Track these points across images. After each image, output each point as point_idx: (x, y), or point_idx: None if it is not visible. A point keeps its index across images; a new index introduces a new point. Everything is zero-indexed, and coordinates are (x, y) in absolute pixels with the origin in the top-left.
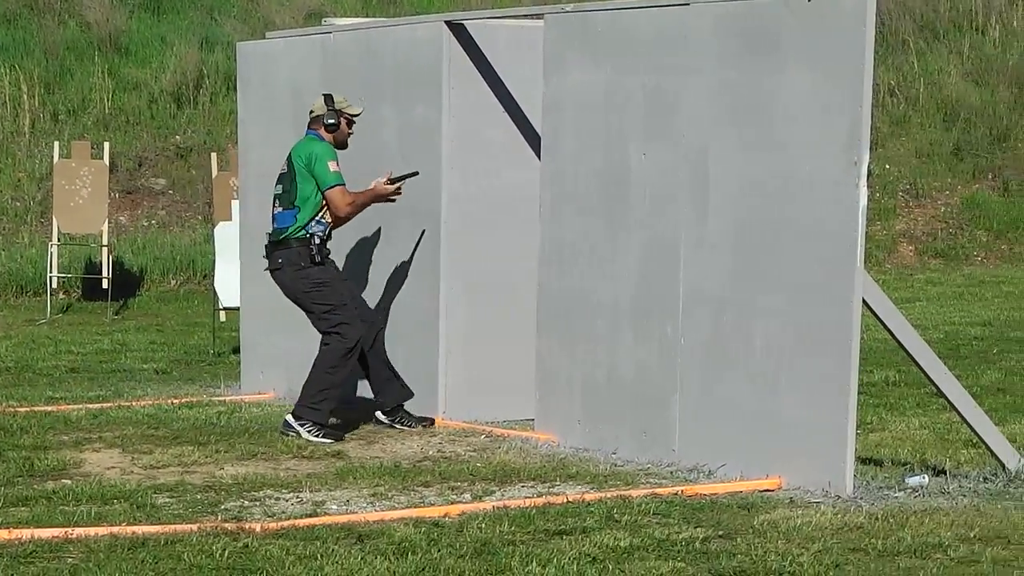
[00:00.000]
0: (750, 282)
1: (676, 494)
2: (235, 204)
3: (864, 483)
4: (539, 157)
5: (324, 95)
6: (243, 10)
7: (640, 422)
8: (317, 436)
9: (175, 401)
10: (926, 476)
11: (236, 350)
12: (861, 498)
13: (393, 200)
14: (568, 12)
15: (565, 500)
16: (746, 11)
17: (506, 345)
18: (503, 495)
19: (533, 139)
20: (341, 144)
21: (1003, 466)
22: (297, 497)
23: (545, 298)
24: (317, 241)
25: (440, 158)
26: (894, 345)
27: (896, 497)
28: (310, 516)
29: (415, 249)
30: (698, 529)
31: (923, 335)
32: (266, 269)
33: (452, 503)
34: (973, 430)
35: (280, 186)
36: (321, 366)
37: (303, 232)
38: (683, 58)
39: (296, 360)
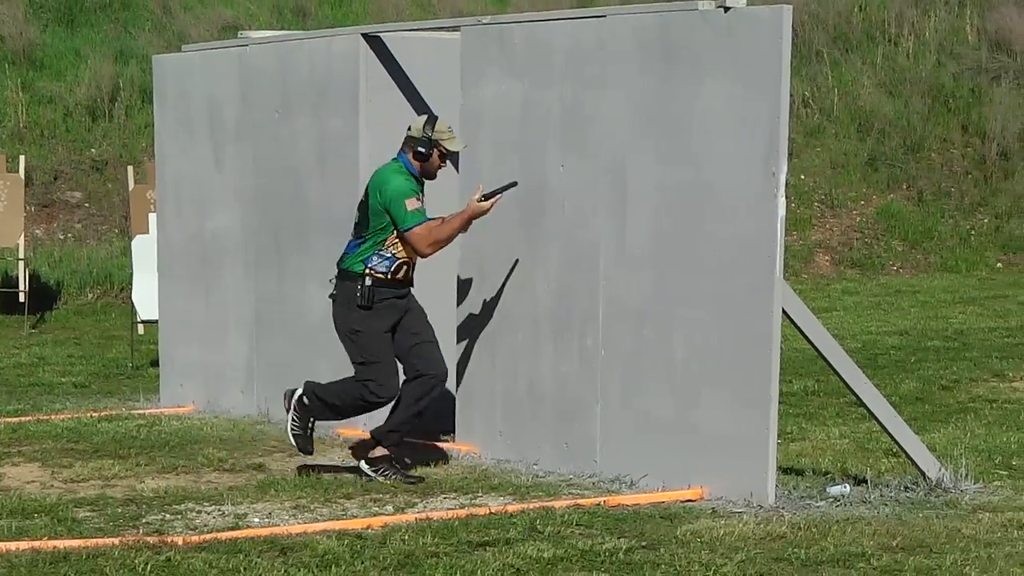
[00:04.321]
0: (670, 293)
1: (599, 505)
2: (152, 217)
3: (786, 493)
4: (457, 169)
5: (428, 116)
6: (158, 23)
7: (562, 433)
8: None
9: (94, 415)
10: (847, 485)
11: (155, 363)
12: (783, 508)
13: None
14: (485, 24)
15: (488, 512)
16: (663, 23)
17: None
18: (426, 507)
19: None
20: (429, 175)
21: (923, 475)
22: (219, 510)
23: (465, 310)
24: (369, 282)
25: (358, 171)
26: (813, 355)
27: (818, 507)
28: (232, 529)
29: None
30: (621, 540)
31: (841, 345)
32: (330, 296)
33: (375, 515)
34: (893, 439)
35: (358, 214)
36: (333, 402)
37: (361, 265)
38: (600, 70)
39: (215, 372)
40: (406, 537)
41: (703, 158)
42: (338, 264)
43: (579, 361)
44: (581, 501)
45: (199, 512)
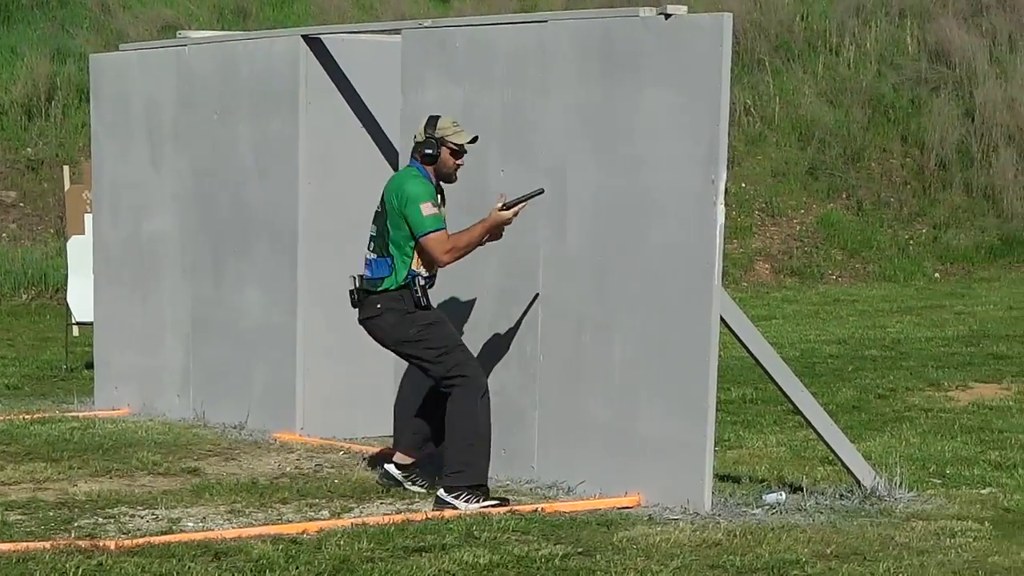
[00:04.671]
0: (609, 300)
1: (536, 511)
2: (88, 218)
3: (722, 500)
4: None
5: (429, 117)
6: (96, 22)
7: (500, 439)
8: (479, 502)
9: (27, 417)
10: (783, 493)
11: (89, 365)
12: (719, 515)
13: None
14: (426, 28)
15: (424, 517)
16: (604, 29)
17: (365, 361)
18: (362, 512)
19: (392, 154)
20: (445, 177)
21: (859, 483)
22: (152, 514)
23: None
24: (421, 282)
25: (297, 173)
26: (751, 363)
27: (754, 514)
28: (166, 533)
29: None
30: (558, 546)
31: (779, 353)
32: (361, 320)
33: (310, 520)
34: (829, 447)
35: (375, 227)
36: (456, 421)
37: (397, 281)
38: (541, 76)
39: (151, 375)
40: (341, 542)
41: (643, 165)
42: (367, 286)
43: (518, 367)
44: (518, 507)
45: (132, 516)
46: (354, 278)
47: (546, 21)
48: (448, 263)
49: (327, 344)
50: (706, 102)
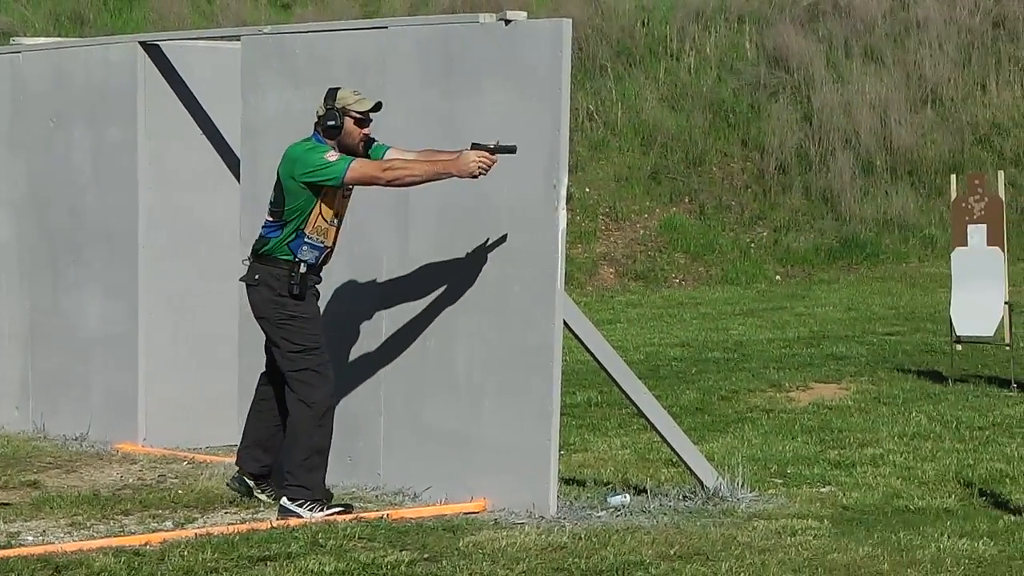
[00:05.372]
0: (452, 305)
1: (381, 518)
2: None
3: (568, 503)
4: (239, 180)
5: (328, 91)
6: None
7: (345, 446)
8: (323, 510)
9: None
10: (627, 495)
11: None
12: (564, 518)
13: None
14: (265, 34)
15: (269, 526)
16: (445, 35)
17: (209, 371)
18: (206, 522)
19: (232, 161)
20: (351, 150)
21: (702, 484)
22: None
23: (247, 321)
24: (303, 269)
25: (136, 180)
26: (596, 366)
27: (599, 517)
28: (4, 548)
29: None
30: (404, 552)
31: (624, 356)
32: (242, 279)
33: (153, 531)
34: (673, 449)
35: (273, 194)
36: (298, 433)
37: (289, 253)
38: (382, 81)
39: None
40: (185, 553)
41: None
42: (256, 249)
43: (363, 373)
44: (364, 514)
45: None
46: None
47: (387, 27)
48: (391, 180)
49: (169, 354)
50: (547, 108)
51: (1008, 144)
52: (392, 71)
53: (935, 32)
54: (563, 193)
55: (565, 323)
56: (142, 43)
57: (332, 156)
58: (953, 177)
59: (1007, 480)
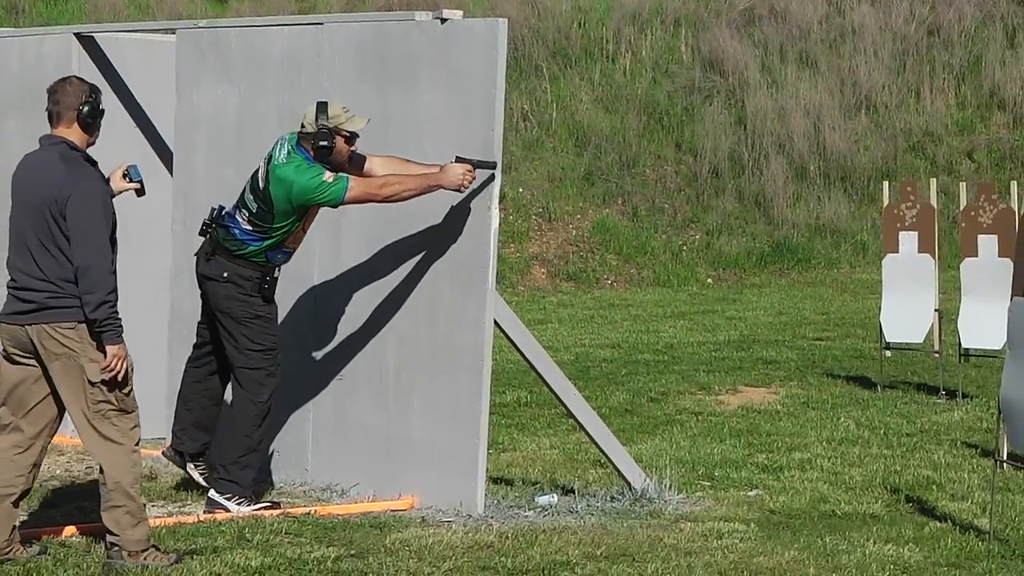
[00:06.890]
0: (383, 304)
1: (309, 513)
2: None
3: (495, 502)
4: (172, 174)
5: (317, 104)
6: None
7: (274, 441)
8: (251, 505)
9: None
10: (555, 495)
11: None
12: (492, 517)
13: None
14: (201, 28)
15: (196, 519)
16: (380, 32)
17: (137, 364)
18: None
19: (166, 156)
20: (339, 166)
21: (629, 485)
22: None
23: (177, 318)
24: (277, 274)
25: None
26: (526, 366)
27: (526, 516)
28: None
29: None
30: (330, 548)
31: (554, 356)
32: (203, 273)
33: (79, 523)
34: (601, 450)
35: (252, 196)
36: (234, 429)
37: (264, 259)
38: (317, 78)
39: None
40: None
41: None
42: (230, 250)
43: (292, 370)
44: (291, 510)
45: None
46: (212, 221)
47: (322, 23)
48: (388, 197)
49: None
50: (481, 107)
51: (941, 151)
52: (327, 67)
53: (870, 39)
54: (496, 193)
55: (496, 323)
56: (77, 35)
57: (328, 177)
58: (885, 184)
59: (933, 487)
